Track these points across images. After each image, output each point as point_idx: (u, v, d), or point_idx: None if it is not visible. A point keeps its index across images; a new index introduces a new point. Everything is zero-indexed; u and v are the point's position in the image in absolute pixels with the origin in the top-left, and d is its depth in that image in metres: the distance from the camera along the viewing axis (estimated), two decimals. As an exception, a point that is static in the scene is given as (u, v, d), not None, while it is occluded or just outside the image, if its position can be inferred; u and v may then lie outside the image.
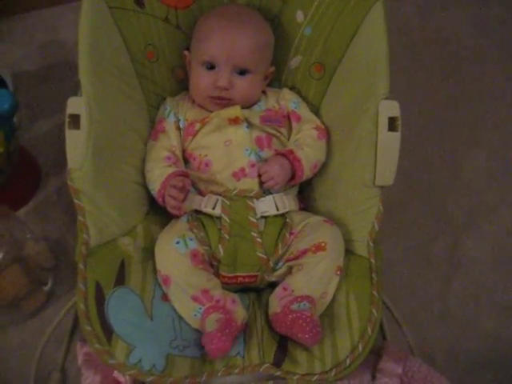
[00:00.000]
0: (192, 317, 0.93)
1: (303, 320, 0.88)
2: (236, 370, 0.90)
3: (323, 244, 0.96)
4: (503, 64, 1.56)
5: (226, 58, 1.03)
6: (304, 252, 0.97)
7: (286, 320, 0.91)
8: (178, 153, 1.07)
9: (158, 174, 1.02)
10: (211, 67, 1.05)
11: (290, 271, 0.99)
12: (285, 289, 0.96)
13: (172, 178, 1.00)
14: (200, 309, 0.92)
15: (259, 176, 1.03)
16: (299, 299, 0.92)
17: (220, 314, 0.90)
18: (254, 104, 1.10)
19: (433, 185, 1.40)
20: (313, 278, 0.95)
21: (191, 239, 0.96)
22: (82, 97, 0.90)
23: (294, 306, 0.92)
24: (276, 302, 0.95)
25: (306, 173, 1.05)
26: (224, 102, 1.06)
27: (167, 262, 0.94)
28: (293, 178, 1.05)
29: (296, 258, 0.98)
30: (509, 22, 1.60)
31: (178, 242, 0.95)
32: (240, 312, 0.94)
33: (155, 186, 1.02)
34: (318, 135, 1.08)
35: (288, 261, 1.00)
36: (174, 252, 0.94)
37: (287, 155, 1.03)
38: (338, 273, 0.96)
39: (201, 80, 1.06)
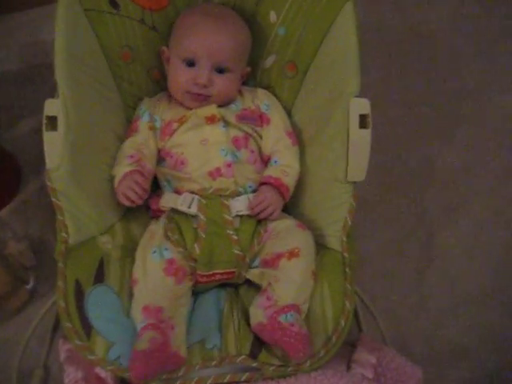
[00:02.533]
0: (137, 324, 0.91)
1: (294, 338, 0.88)
2: (213, 363, 0.92)
3: (297, 250, 0.98)
4: (478, 61, 1.59)
5: (207, 55, 1.04)
6: (278, 256, 0.98)
7: (275, 335, 0.90)
8: (146, 152, 1.07)
9: (118, 170, 1.03)
10: (191, 64, 1.06)
11: (265, 280, 0.99)
12: (268, 299, 0.95)
13: (127, 176, 1.01)
14: (142, 323, 0.90)
15: (253, 208, 1.02)
16: (286, 309, 0.92)
17: (158, 335, 0.88)
18: (230, 103, 1.12)
19: (408, 180, 1.43)
20: (294, 285, 0.95)
21: (166, 249, 0.96)
22: (59, 99, 0.92)
23: (282, 318, 0.91)
24: (260, 311, 0.95)
25: (291, 194, 1.08)
26: (202, 98, 1.08)
27: (141, 267, 0.95)
28: None
29: (272, 262, 0.99)
30: (483, 19, 1.63)
31: (154, 252, 0.95)
32: (179, 341, 0.91)
33: (114, 183, 1.03)
34: (291, 142, 1.11)
35: (264, 263, 1.01)
36: (149, 261, 0.95)
37: (278, 187, 1.05)
38: (313, 277, 0.98)
39: (180, 76, 1.07)
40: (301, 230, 1.02)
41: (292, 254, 0.98)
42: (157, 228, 1.02)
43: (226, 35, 1.05)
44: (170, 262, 0.95)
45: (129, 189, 1.00)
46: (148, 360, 0.84)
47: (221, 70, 1.07)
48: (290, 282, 0.96)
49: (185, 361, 0.91)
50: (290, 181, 1.07)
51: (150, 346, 0.85)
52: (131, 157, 1.05)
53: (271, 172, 1.07)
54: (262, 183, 1.07)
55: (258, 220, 1.04)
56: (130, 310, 0.94)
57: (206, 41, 1.04)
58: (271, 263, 0.99)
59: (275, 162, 1.09)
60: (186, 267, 0.97)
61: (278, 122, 1.12)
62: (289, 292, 0.95)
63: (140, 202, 1.01)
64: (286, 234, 1.01)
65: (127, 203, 1.01)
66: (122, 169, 1.03)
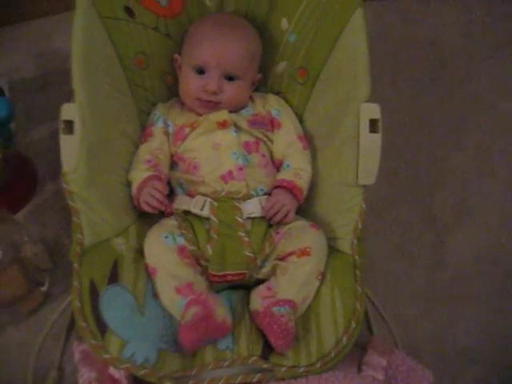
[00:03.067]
0: (176, 308, 0.95)
1: (278, 326, 0.92)
2: (226, 363, 0.93)
3: (308, 249, 1.00)
4: (486, 66, 1.60)
5: (217, 63, 1.06)
6: (290, 254, 1.01)
7: (264, 321, 0.94)
8: (162, 156, 1.10)
9: (135, 176, 1.06)
10: (201, 72, 1.08)
11: (274, 271, 1.02)
12: (269, 289, 0.99)
13: (147, 182, 1.04)
14: (183, 301, 0.94)
15: (268, 213, 1.04)
16: (281, 303, 0.96)
17: (200, 308, 0.92)
18: (241, 109, 1.14)
19: (418, 185, 1.43)
20: (296, 282, 0.98)
21: (179, 235, 1.00)
22: (75, 103, 0.94)
23: (275, 309, 0.95)
24: (259, 300, 0.98)
25: (305, 196, 1.10)
26: (212, 104, 1.10)
27: (155, 254, 0.98)
28: None
29: (282, 258, 1.02)
30: (491, 25, 1.63)
31: (166, 237, 0.99)
32: (221, 310, 0.95)
33: (132, 188, 1.06)
34: (303, 146, 1.13)
35: (275, 260, 1.03)
36: (163, 245, 0.98)
37: (291, 189, 1.06)
38: (319, 277, 1.00)
39: (191, 83, 1.09)
40: (314, 229, 1.04)
41: (303, 253, 1.00)
42: (170, 220, 1.04)
43: (236, 44, 1.07)
44: (182, 248, 0.98)
45: (150, 196, 1.02)
46: (194, 329, 0.89)
47: (230, 78, 1.09)
48: (293, 279, 0.98)
49: (230, 330, 0.96)
50: (303, 183, 1.08)
51: (193, 319, 0.90)
52: (148, 161, 1.07)
53: (284, 176, 1.09)
54: (276, 187, 1.08)
55: (270, 222, 1.05)
56: (161, 301, 0.96)
57: (216, 49, 1.06)
58: (282, 259, 1.02)
59: (287, 165, 1.11)
60: (195, 260, 1.00)
61: (289, 127, 1.14)
62: (290, 288, 0.97)
63: (162, 207, 1.04)
64: (298, 233, 1.03)
65: (150, 210, 1.04)
66: (139, 174, 1.05)
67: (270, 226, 1.05)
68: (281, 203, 1.04)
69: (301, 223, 1.06)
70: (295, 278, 0.98)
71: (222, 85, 1.08)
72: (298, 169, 1.10)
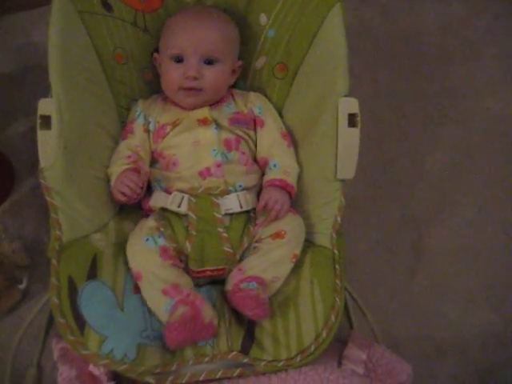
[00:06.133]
0: (163, 312, 0.95)
1: (249, 298, 0.94)
2: (206, 359, 0.93)
3: (283, 232, 1.01)
4: (465, 63, 1.61)
5: (193, 48, 1.06)
6: (265, 237, 1.02)
7: (235, 298, 0.96)
8: (142, 153, 1.10)
9: (115, 171, 1.05)
10: (180, 60, 1.07)
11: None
12: (239, 269, 1.01)
13: (123, 173, 1.04)
14: (170, 302, 0.94)
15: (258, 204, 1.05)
16: (248, 279, 0.98)
17: (188, 308, 0.92)
18: (222, 103, 1.14)
19: (397, 180, 1.45)
20: (266, 261, 1.00)
21: (159, 236, 1.00)
22: (53, 98, 0.93)
23: (243, 285, 0.97)
24: (230, 280, 1.01)
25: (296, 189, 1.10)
26: (194, 92, 1.08)
27: (138, 259, 0.98)
28: None
29: (257, 242, 1.03)
30: (470, 21, 1.65)
31: (147, 240, 0.99)
32: (208, 311, 0.95)
33: (110, 183, 1.06)
34: (287, 145, 1.12)
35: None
36: (144, 249, 0.98)
37: (284, 187, 1.07)
38: (294, 260, 1.02)
39: (171, 73, 1.08)
40: (291, 214, 1.05)
41: (277, 235, 1.02)
42: (148, 222, 1.03)
43: (210, 26, 1.07)
44: (164, 249, 0.99)
45: (123, 185, 1.02)
46: (181, 329, 0.90)
47: (210, 62, 1.08)
48: (264, 258, 1.00)
49: (217, 330, 0.96)
50: (292, 180, 1.09)
51: (181, 319, 0.91)
52: (128, 157, 1.07)
53: (273, 175, 1.09)
54: (267, 186, 1.08)
55: (248, 217, 1.06)
56: (149, 305, 0.96)
57: (191, 34, 1.06)
58: (257, 242, 1.03)
59: (275, 165, 1.11)
60: (178, 259, 1.00)
61: (271, 124, 1.14)
62: (259, 266, 1.00)
63: (135, 197, 1.04)
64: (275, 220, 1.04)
65: (123, 199, 1.03)
66: (118, 168, 1.05)
67: (248, 220, 1.06)
68: (274, 199, 1.04)
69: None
70: (266, 257, 1.00)
71: (202, 69, 1.07)
72: (285, 166, 1.10)
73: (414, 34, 1.64)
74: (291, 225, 1.03)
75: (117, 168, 1.05)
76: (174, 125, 1.10)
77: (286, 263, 1.01)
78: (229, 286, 1.00)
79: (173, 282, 0.96)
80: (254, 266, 1.00)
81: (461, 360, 1.28)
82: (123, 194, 1.03)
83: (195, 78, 1.07)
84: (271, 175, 1.10)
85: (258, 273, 0.99)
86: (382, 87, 1.56)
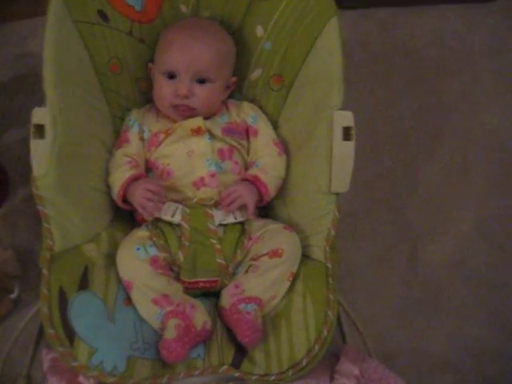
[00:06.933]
0: (154, 320, 0.95)
1: (245, 323, 0.93)
2: (196, 372, 0.92)
3: (280, 251, 1.00)
4: (462, 77, 1.62)
5: (186, 67, 1.06)
6: (262, 255, 1.01)
7: (231, 319, 0.95)
8: (139, 161, 1.10)
9: (118, 177, 1.05)
10: (172, 76, 1.08)
11: (246, 271, 1.03)
12: (236, 286, 0.99)
13: (131, 180, 1.03)
14: (161, 311, 0.94)
15: (221, 193, 1.04)
16: (247, 300, 0.96)
17: (179, 320, 0.92)
18: (215, 114, 1.14)
19: (393, 193, 1.45)
20: (265, 281, 0.98)
21: (151, 246, 1.00)
22: (47, 107, 0.93)
23: (241, 306, 0.96)
24: (227, 297, 0.99)
25: (272, 195, 1.09)
26: (186, 110, 1.09)
27: (128, 268, 0.98)
28: (260, 200, 1.08)
29: (254, 259, 1.02)
30: (466, 36, 1.66)
31: (138, 249, 0.99)
32: (199, 317, 0.96)
33: (115, 189, 1.05)
34: (278, 152, 1.12)
35: (248, 261, 1.03)
36: (135, 258, 0.98)
37: (254, 182, 1.06)
38: (290, 279, 1.01)
39: (162, 89, 1.09)
40: (287, 231, 1.04)
41: (275, 254, 1.00)
42: (140, 231, 1.03)
43: (204, 46, 1.07)
44: (155, 259, 0.98)
45: (144, 200, 1.00)
46: (180, 345, 0.90)
47: (202, 81, 1.08)
48: (263, 278, 0.99)
49: (211, 332, 0.97)
50: (268, 179, 1.07)
51: (178, 333, 0.91)
52: (129, 162, 1.07)
53: (249, 171, 1.10)
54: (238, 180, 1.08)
55: (242, 229, 1.05)
56: (140, 313, 0.96)
57: (184, 52, 1.06)
58: (254, 260, 1.02)
59: (257, 165, 1.11)
60: (169, 269, 1.00)
61: (264, 133, 1.14)
62: (258, 286, 0.98)
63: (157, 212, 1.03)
64: (271, 236, 1.03)
65: (146, 214, 1.02)
66: (122, 174, 1.04)
67: (243, 232, 1.05)
68: (238, 193, 1.03)
69: (274, 226, 1.06)
70: (265, 277, 0.99)
71: (193, 88, 1.08)
72: (265, 166, 1.09)
73: (411, 47, 1.65)
74: (288, 243, 1.02)
75: (120, 174, 1.05)
76: (167, 133, 1.10)
77: (283, 282, 1.00)
78: (225, 304, 0.98)
79: (163, 292, 0.96)
80: (252, 286, 0.98)
81: (455, 375, 1.27)
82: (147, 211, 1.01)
83: (186, 97, 1.07)
84: (249, 171, 1.10)
85: (257, 293, 0.97)
86: (378, 100, 1.56)
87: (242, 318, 0.94)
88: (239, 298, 0.97)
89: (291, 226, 1.07)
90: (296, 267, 1.02)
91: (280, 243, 1.01)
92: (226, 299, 0.99)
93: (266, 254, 1.01)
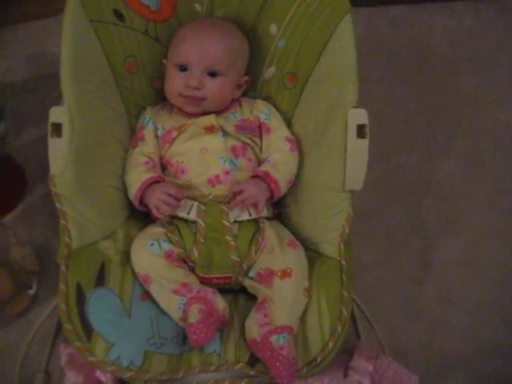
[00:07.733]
0: (176, 311, 0.96)
1: (280, 362, 0.89)
2: (212, 368, 0.93)
3: (289, 270, 0.99)
4: (475, 73, 1.61)
5: (198, 59, 1.07)
6: (272, 273, 1.00)
7: (265, 355, 0.92)
8: (156, 159, 1.11)
9: (135, 178, 1.06)
10: (184, 69, 1.09)
11: (258, 290, 1.02)
12: (266, 316, 0.97)
13: (150, 184, 1.04)
14: (183, 300, 0.95)
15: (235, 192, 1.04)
16: (279, 330, 0.94)
17: (201, 305, 0.94)
18: (228, 111, 1.15)
19: (406, 191, 1.45)
20: (286, 304, 0.97)
21: (165, 241, 1.01)
22: (64, 106, 0.94)
23: (274, 338, 0.92)
24: (255, 328, 0.96)
25: (283, 191, 1.09)
26: (196, 100, 1.10)
27: (143, 263, 0.99)
28: (271, 197, 1.08)
29: (265, 278, 1.01)
30: (480, 34, 1.65)
31: (152, 244, 1.00)
32: (220, 302, 0.97)
33: (132, 190, 1.06)
34: (290, 148, 1.12)
35: (259, 276, 1.02)
36: (149, 253, 0.99)
37: (264, 178, 1.06)
38: (306, 294, 1.00)
39: (174, 80, 1.10)
40: (292, 249, 1.03)
41: (284, 274, 0.99)
42: (155, 227, 1.05)
43: (217, 39, 1.08)
44: (169, 254, 1.00)
45: (161, 202, 1.01)
46: (206, 326, 0.91)
47: (213, 74, 1.09)
48: (283, 302, 0.97)
49: (228, 319, 0.98)
50: (279, 176, 1.07)
51: (202, 316, 0.92)
52: (146, 163, 1.08)
53: (261, 167, 1.10)
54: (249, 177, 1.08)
55: (257, 227, 1.05)
56: (160, 305, 0.97)
57: (197, 46, 1.07)
58: (265, 279, 1.01)
59: (268, 161, 1.11)
60: (183, 262, 1.01)
61: (277, 130, 1.14)
62: (283, 312, 0.96)
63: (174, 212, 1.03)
64: (278, 251, 1.02)
65: (160, 216, 1.03)
66: (139, 176, 1.05)
67: (257, 229, 1.05)
68: (249, 193, 1.03)
69: (280, 238, 1.04)
70: (284, 301, 0.97)
71: (204, 80, 1.08)
72: (276, 162, 1.09)
73: (424, 45, 1.64)
74: (295, 260, 1.02)
75: (137, 176, 1.06)
76: (180, 131, 1.11)
77: (301, 299, 0.99)
78: (256, 336, 0.94)
79: (181, 282, 0.97)
80: (278, 314, 0.96)
81: (468, 372, 1.27)
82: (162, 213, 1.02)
83: (196, 88, 1.08)
84: (260, 167, 1.10)
85: (285, 321, 0.95)
86: (392, 97, 1.56)
87: (275, 356, 0.90)
88: (270, 329, 0.94)
89: (304, 225, 1.09)
90: (307, 282, 1.01)
91: (287, 262, 1.00)
92: (256, 330, 0.95)
93: (275, 274, 1.00)
